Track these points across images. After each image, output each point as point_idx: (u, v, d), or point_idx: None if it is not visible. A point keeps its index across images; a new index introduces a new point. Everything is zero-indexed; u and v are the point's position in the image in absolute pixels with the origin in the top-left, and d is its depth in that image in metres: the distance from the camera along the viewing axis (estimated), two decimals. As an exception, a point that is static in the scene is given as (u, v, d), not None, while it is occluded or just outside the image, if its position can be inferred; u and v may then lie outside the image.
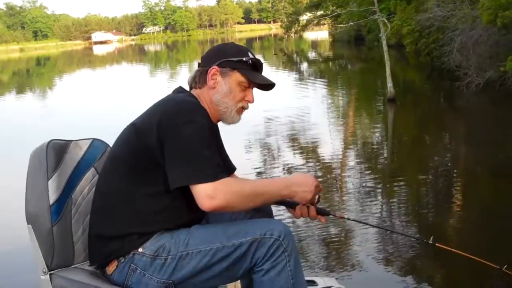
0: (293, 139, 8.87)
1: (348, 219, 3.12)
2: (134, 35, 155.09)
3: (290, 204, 2.32)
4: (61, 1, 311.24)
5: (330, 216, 2.36)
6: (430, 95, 13.86)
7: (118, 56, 57.95)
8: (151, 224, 2.10)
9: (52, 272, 2.14)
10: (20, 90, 23.36)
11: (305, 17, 41.49)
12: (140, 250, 2.07)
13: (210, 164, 2.01)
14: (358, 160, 7.44)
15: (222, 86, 2.24)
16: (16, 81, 31.64)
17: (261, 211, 2.30)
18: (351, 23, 18.56)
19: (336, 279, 2.93)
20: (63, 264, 2.17)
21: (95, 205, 2.22)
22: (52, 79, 30.01)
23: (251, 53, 2.31)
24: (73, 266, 2.20)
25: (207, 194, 1.96)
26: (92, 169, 2.37)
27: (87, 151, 2.38)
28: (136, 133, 2.13)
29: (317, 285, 2.69)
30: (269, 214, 2.30)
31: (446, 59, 13.98)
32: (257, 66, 2.30)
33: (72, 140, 2.36)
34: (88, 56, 62.97)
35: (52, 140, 2.28)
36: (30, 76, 35.78)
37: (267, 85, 2.31)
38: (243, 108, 2.31)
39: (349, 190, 5.93)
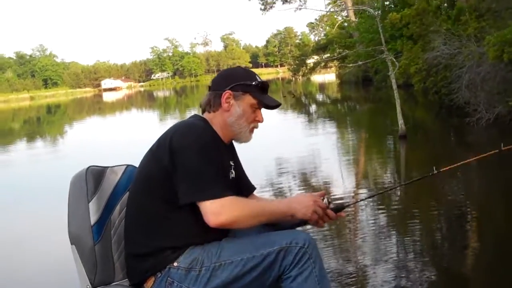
0: (304, 177, 8.95)
1: (362, 200, 3.27)
2: (143, 81, 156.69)
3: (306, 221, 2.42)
4: (70, 49, 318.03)
5: (346, 207, 2.54)
6: (441, 131, 13.94)
7: (127, 103, 58.48)
8: (182, 239, 2.21)
9: (95, 289, 2.24)
10: (31, 137, 23.65)
11: (312, 60, 42.01)
12: (175, 264, 2.18)
13: (215, 183, 2.15)
14: (371, 193, 7.48)
15: (235, 109, 2.41)
16: (27, 128, 32.01)
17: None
18: (359, 63, 18.79)
19: None
20: (105, 282, 2.27)
21: (128, 225, 2.34)
22: (63, 126, 30.37)
23: (258, 76, 2.49)
24: (113, 283, 2.30)
25: (213, 211, 2.10)
26: (128, 192, 2.49)
27: (122, 176, 2.52)
28: (153, 156, 2.30)
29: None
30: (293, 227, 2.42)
31: (455, 96, 14.02)
32: (265, 88, 2.48)
33: (108, 167, 2.51)
34: (98, 103, 63.62)
35: (90, 166, 2.42)
36: (41, 124, 36.18)
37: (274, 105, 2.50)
38: (254, 127, 2.49)
39: (361, 223, 5.97)
